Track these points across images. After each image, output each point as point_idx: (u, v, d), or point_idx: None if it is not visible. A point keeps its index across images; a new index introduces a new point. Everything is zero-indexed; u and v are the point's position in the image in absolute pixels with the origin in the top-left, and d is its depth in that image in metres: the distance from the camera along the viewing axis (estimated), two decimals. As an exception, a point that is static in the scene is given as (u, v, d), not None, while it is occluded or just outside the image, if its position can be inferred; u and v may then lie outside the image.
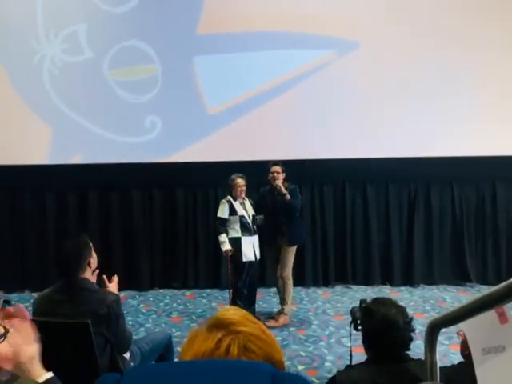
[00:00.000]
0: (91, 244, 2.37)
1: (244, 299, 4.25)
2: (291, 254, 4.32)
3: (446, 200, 5.75)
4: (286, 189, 4.24)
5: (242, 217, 4.26)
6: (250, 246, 4.26)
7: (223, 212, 4.27)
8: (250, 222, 4.29)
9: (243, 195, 4.34)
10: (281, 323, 4.25)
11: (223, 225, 4.26)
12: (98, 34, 5.50)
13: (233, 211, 4.26)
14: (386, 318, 1.82)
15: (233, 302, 4.25)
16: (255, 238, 4.32)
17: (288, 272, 4.29)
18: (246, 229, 4.26)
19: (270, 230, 4.35)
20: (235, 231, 4.25)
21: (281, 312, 4.33)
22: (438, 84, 5.45)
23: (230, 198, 4.32)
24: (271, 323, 4.19)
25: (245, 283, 4.26)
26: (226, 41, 5.49)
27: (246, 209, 4.34)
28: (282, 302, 4.32)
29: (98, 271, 2.39)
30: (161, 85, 5.53)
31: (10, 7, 5.48)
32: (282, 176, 4.28)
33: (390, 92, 5.46)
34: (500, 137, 5.43)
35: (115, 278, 2.50)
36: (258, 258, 4.37)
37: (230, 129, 5.54)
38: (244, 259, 4.20)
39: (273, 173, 4.29)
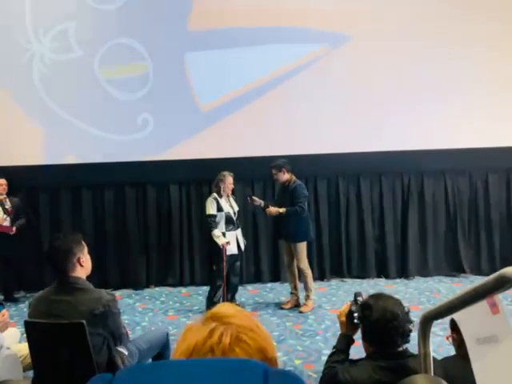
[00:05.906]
0: (85, 244, 2.36)
1: (230, 289, 4.55)
2: (299, 248, 4.54)
3: (440, 192, 5.77)
4: (288, 185, 4.51)
5: (227, 213, 4.47)
6: (234, 239, 4.49)
7: (213, 209, 4.45)
8: (234, 217, 4.53)
9: (230, 192, 4.58)
10: (311, 307, 4.60)
11: (214, 221, 4.42)
12: (87, 32, 5.45)
13: (219, 208, 4.44)
14: (385, 309, 1.83)
15: (228, 296, 4.45)
16: (238, 232, 4.60)
17: (302, 264, 4.56)
18: (230, 224, 4.49)
19: (277, 227, 4.78)
20: (220, 227, 4.45)
21: (308, 298, 4.64)
22: (430, 77, 5.45)
23: (215, 195, 4.49)
24: (304, 308, 4.56)
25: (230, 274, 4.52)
26: (216, 37, 5.46)
27: (231, 205, 4.57)
28: (307, 289, 4.63)
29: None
30: (152, 82, 5.50)
31: (-3, 6, 5.43)
32: (281, 175, 4.52)
33: (382, 86, 5.46)
34: (492, 129, 5.45)
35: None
36: (243, 249, 4.65)
37: (222, 125, 5.53)
38: (228, 253, 4.41)
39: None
